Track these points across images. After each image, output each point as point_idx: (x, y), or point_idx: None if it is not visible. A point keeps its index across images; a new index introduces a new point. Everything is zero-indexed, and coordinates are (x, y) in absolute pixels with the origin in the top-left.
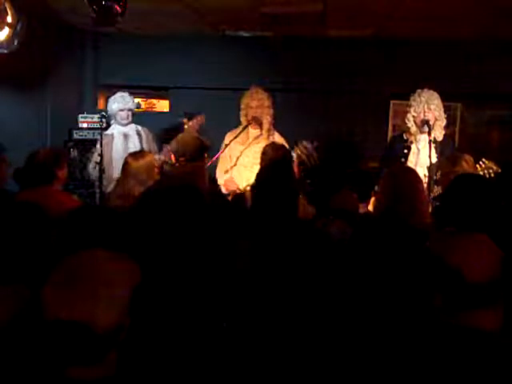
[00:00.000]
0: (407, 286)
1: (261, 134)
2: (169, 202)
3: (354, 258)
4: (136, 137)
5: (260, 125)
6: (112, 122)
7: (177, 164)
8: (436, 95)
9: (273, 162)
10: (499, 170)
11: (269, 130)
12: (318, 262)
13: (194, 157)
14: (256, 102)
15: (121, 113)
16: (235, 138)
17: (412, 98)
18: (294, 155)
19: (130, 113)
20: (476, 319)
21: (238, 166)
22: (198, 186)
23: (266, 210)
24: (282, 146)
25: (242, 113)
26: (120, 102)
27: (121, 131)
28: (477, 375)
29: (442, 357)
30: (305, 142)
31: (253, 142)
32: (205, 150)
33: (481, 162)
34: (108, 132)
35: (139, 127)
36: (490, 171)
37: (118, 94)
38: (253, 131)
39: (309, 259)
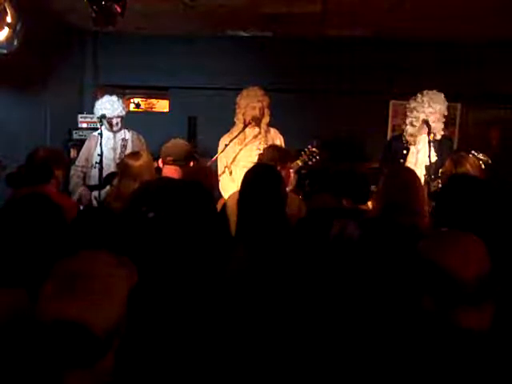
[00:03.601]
0: (398, 287)
1: (259, 133)
2: (175, 199)
3: (362, 259)
4: (118, 147)
5: (258, 124)
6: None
7: (163, 165)
8: (437, 95)
9: (256, 170)
10: (489, 161)
11: (266, 129)
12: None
13: (180, 158)
14: (260, 104)
15: (108, 120)
16: (235, 137)
17: (412, 99)
18: (299, 162)
19: (119, 119)
20: (465, 319)
21: (239, 166)
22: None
23: (252, 218)
24: (279, 148)
25: (240, 112)
26: (108, 109)
27: (107, 137)
28: (466, 375)
29: (432, 357)
30: (313, 149)
31: (251, 141)
32: (192, 156)
33: (470, 155)
34: (95, 133)
35: (128, 136)
36: (481, 162)
37: (106, 99)
38: (249, 130)
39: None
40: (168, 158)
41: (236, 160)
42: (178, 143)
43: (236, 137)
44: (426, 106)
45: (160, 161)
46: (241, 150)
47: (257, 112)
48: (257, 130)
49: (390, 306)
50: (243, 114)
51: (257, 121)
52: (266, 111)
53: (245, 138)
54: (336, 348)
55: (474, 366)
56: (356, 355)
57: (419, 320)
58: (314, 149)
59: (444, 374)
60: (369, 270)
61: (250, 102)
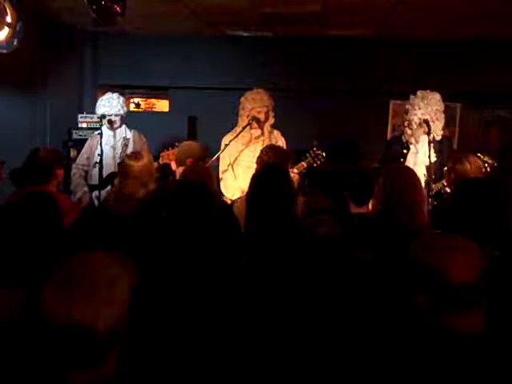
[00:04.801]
0: (392, 287)
1: (262, 134)
2: (180, 200)
3: (346, 259)
4: (119, 145)
5: (261, 125)
6: None
7: (178, 167)
8: (436, 96)
9: (266, 170)
10: (495, 164)
11: (270, 130)
12: (305, 264)
13: (200, 159)
14: (265, 108)
15: (105, 118)
16: (235, 137)
17: (411, 99)
18: (305, 164)
19: (117, 118)
20: (457, 322)
21: (241, 166)
22: (208, 185)
23: (262, 218)
24: (280, 149)
25: (245, 114)
26: (106, 107)
27: (107, 136)
28: (458, 379)
29: (425, 360)
30: (318, 151)
31: (253, 142)
32: (207, 155)
33: (476, 157)
34: (96, 133)
35: (129, 135)
36: (486, 165)
37: (106, 97)
38: (253, 131)
39: (298, 263)
40: (188, 160)
41: (238, 160)
42: (193, 144)
43: (236, 137)
44: (419, 106)
45: (173, 163)
46: (243, 150)
47: (262, 116)
48: (259, 131)
49: (381, 306)
50: (247, 116)
51: (259, 121)
52: (271, 113)
53: (250, 139)
54: (329, 350)
55: (465, 370)
56: (349, 356)
57: (410, 321)
58: (319, 151)
59: (434, 378)
60: (354, 271)
61: (257, 106)
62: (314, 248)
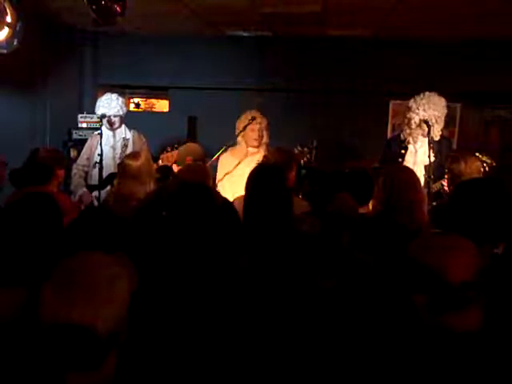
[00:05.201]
0: (391, 287)
1: (257, 152)
2: (180, 200)
3: (345, 258)
4: (118, 146)
5: (257, 145)
6: None
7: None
8: (442, 101)
9: (260, 171)
10: (494, 164)
11: (265, 148)
12: (303, 263)
13: (200, 158)
14: (258, 126)
15: (105, 118)
16: (244, 128)
17: (418, 98)
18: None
19: (116, 119)
20: (455, 320)
21: (235, 176)
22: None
23: (258, 219)
24: (285, 150)
25: (240, 134)
26: (105, 108)
27: (107, 136)
28: (457, 378)
29: (425, 360)
30: (304, 148)
31: (249, 157)
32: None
33: (474, 157)
34: (96, 133)
35: (129, 135)
36: (485, 165)
37: (105, 98)
38: (250, 149)
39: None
40: (187, 159)
41: (234, 170)
42: (192, 145)
43: (244, 130)
44: (422, 108)
45: (175, 165)
46: (239, 163)
47: (256, 134)
48: (256, 149)
49: (380, 306)
50: (243, 136)
51: (255, 142)
52: (265, 132)
53: (246, 155)
54: (329, 348)
55: (464, 369)
56: (348, 355)
57: (409, 321)
58: (305, 148)
59: (433, 377)
60: (349, 270)
61: (254, 127)
62: (312, 247)
